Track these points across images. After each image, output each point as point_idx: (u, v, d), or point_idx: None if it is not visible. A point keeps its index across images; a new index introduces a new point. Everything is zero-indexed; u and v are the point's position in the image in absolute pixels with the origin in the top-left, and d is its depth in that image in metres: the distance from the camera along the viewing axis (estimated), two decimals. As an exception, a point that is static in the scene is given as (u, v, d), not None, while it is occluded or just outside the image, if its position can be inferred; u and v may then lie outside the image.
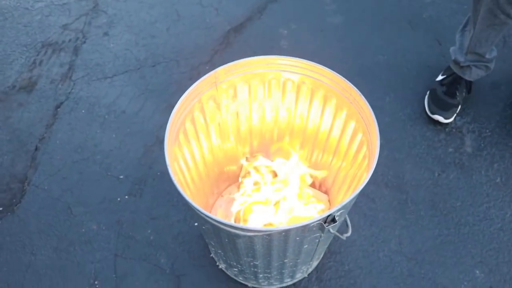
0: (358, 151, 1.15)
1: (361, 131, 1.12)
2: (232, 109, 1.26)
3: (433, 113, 1.75)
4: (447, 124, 1.76)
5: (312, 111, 1.27)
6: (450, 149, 1.70)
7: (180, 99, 1.09)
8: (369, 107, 1.05)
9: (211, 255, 1.46)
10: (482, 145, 1.72)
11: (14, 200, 1.61)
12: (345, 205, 0.99)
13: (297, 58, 1.18)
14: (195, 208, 0.95)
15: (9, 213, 1.58)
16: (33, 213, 1.58)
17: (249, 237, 1.00)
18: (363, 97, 1.09)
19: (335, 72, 1.15)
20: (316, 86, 1.21)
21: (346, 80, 1.13)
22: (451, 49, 1.76)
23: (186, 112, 1.14)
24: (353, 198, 0.98)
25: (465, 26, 1.69)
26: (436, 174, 1.64)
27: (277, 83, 1.23)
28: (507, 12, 1.47)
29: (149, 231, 1.53)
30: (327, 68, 1.16)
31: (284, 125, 1.34)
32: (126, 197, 1.60)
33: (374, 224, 1.53)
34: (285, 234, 1.00)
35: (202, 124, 1.22)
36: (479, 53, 1.64)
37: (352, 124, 1.17)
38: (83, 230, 1.54)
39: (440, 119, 1.73)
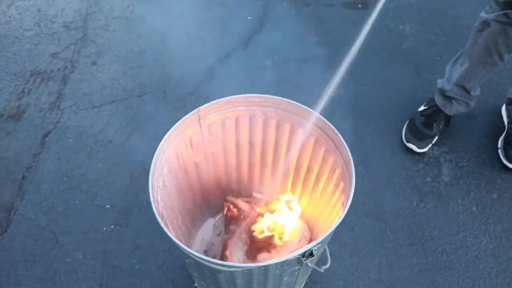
0: (336, 186, 1.20)
1: (339, 168, 1.17)
2: (215, 145, 1.30)
3: (408, 141, 1.82)
4: (425, 153, 1.82)
5: (291, 147, 1.32)
6: (428, 179, 1.76)
7: (164, 138, 1.13)
8: (346, 146, 1.10)
9: (195, 285, 1.48)
10: (459, 174, 1.78)
11: (0, 229, 1.63)
12: (322, 240, 1.03)
13: (278, 97, 1.23)
14: (180, 246, 0.98)
15: (-6, 243, 1.59)
16: (19, 242, 1.60)
17: (230, 272, 1.03)
18: (339, 135, 1.14)
19: (313, 111, 1.20)
20: (295, 123, 1.26)
21: (324, 119, 1.18)
22: (438, 80, 1.82)
23: (170, 150, 1.18)
24: (329, 234, 1.03)
25: (457, 59, 1.75)
26: (415, 203, 1.70)
27: (259, 120, 1.28)
28: (501, 53, 1.55)
29: (134, 260, 1.55)
30: (305, 107, 1.21)
31: (266, 160, 1.39)
32: (112, 226, 1.63)
33: (354, 253, 1.57)
34: (265, 268, 1.03)
35: (186, 160, 1.26)
36: (466, 87, 1.71)
37: (330, 160, 1.22)
38: (68, 259, 1.56)
39: (414, 148, 1.80)
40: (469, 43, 1.63)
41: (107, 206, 1.67)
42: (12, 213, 1.66)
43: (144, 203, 1.68)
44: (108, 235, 1.61)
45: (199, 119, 1.21)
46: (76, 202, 1.69)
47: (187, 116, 1.18)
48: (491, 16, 1.50)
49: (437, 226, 1.64)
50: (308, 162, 1.31)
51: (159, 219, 1.01)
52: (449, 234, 1.63)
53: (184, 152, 1.25)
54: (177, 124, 1.17)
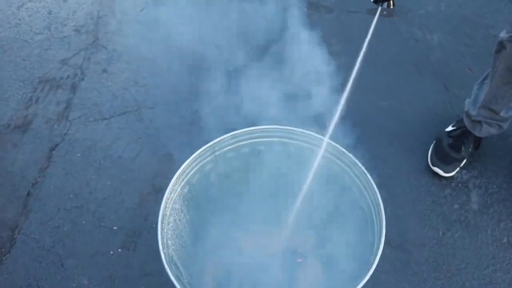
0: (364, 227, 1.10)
1: (365, 210, 1.07)
2: (231, 177, 1.21)
3: (433, 165, 1.71)
4: (453, 178, 1.71)
5: (310, 180, 1.22)
6: (456, 206, 1.65)
7: (176, 174, 1.04)
8: (376, 190, 1.00)
9: (205, 319, 1.40)
10: (489, 202, 1.66)
11: (3, 250, 1.55)
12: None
13: (297, 129, 1.14)
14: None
15: (-3, 265, 1.53)
16: (22, 264, 1.52)
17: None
18: (369, 176, 1.04)
19: (337, 145, 1.10)
20: (317, 156, 1.16)
21: (350, 155, 1.08)
22: (466, 100, 1.71)
23: (183, 184, 1.09)
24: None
25: (484, 79, 1.64)
26: (441, 233, 1.59)
27: (278, 151, 1.19)
28: None
29: (141, 288, 1.48)
30: (329, 140, 1.12)
31: (285, 192, 1.29)
32: (119, 250, 1.55)
33: (375, 287, 1.48)
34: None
35: (200, 194, 1.18)
36: (494, 109, 1.59)
37: (356, 202, 1.12)
38: (74, 285, 1.48)
39: (440, 172, 1.69)
40: (492, 64, 1.54)
41: (115, 228, 1.59)
42: (16, 232, 1.59)
43: (154, 225, 1.59)
44: (115, 260, 1.53)
45: (214, 152, 1.11)
46: (83, 222, 1.61)
47: (201, 149, 1.09)
48: (505, 37, 1.42)
49: (464, 259, 1.54)
50: (332, 197, 1.21)
51: (168, 270, 0.92)
52: (478, 268, 1.52)
53: (197, 185, 1.16)
54: (190, 158, 1.08)
